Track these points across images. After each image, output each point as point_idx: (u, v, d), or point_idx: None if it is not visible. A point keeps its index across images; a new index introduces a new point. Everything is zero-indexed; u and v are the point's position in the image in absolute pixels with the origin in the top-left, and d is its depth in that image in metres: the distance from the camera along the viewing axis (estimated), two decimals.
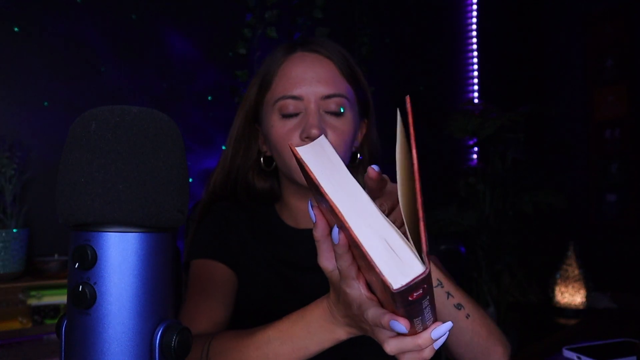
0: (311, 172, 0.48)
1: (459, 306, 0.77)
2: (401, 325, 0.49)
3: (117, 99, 2.22)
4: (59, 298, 1.79)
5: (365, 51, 2.79)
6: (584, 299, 2.63)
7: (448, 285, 0.76)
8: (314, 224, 0.54)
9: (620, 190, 3.39)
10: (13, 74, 2.02)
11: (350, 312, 0.57)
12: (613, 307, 2.61)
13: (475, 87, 3.47)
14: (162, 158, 0.40)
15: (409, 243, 0.44)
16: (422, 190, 0.46)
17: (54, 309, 1.79)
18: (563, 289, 2.67)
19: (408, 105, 0.48)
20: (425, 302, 0.47)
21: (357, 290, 0.54)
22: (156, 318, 0.39)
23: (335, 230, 0.50)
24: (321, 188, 0.47)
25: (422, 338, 0.52)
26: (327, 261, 0.56)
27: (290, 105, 0.88)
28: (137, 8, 2.29)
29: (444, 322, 0.52)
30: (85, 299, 0.37)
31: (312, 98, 0.88)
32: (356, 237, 0.44)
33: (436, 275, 0.76)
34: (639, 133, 3.32)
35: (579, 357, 0.97)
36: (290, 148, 0.51)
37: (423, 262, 0.43)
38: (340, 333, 0.61)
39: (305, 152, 0.50)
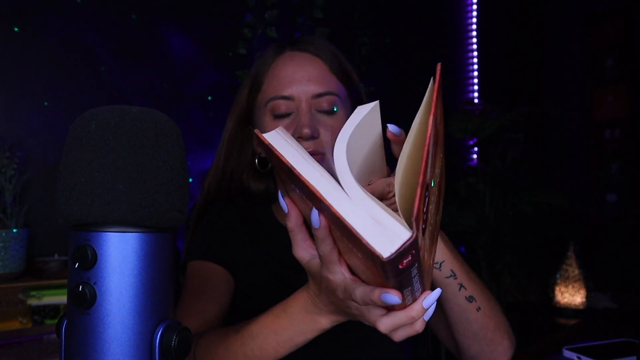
0: (282, 156, 0.47)
1: (470, 299, 0.77)
2: (393, 296, 0.48)
3: (117, 99, 2.22)
4: (59, 298, 1.79)
5: (365, 51, 2.79)
6: (584, 299, 2.63)
7: (461, 277, 0.75)
8: (286, 214, 0.53)
9: (620, 190, 3.39)
10: (13, 74, 2.02)
11: (334, 298, 0.56)
12: (613, 307, 2.61)
13: (475, 87, 3.47)
14: (162, 158, 0.40)
15: (392, 212, 0.44)
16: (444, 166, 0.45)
17: (54, 309, 1.79)
18: (563, 289, 2.67)
19: (438, 72, 0.48)
20: (414, 270, 0.46)
21: (340, 274, 0.53)
22: (156, 318, 0.39)
23: (315, 213, 0.49)
24: (295, 170, 0.46)
25: (414, 310, 0.51)
26: (303, 251, 0.56)
27: (282, 106, 0.89)
28: (137, 8, 2.29)
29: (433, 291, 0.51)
30: (85, 299, 0.37)
31: (303, 97, 0.88)
32: (338, 212, 0.43)
33: (449, 266, 0.75)
34: (639, 133, 3.32)
35: (578, 357, 0.97)
36: (257, 135, 0.49)
37: (410, 228, 0.42)
38: (324, 322, 0.61)
39: (273, 138, 0.49)
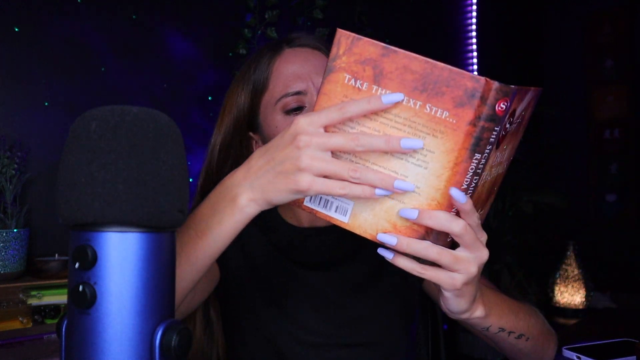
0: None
1: (519, 337, 0.80)
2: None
3: (117, 99, 2.22)
4: (59, 298, 1.79)
5: None
6: (583, 299, 2.63)
7: (508, 324, 0.78)
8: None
9: (620, 190, 3.39)
10: (13, 74, 2.02)
11: (276, 151, 0.60)
12: (613, 307, 2.62)
13: None
14: (162, 158, 0.40)
15: None
16: None
17: (55, 309, 1.79)
18: (563, 288, 2.67)
19: None
20: (494, 135, 0.53)
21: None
22: (156, 318, 0.39)
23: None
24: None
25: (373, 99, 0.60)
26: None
27: (294, 102, 0.89)
28: (137, 8, 2.29)
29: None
30: (85, 299, 0.37)
31: (314, 91, 0.89)
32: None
33: (497, 324, 0.77)
34: (639, 133, 3.32)
35: (578, 357, 0.97)
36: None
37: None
38: (242, 200, 0.63)
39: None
